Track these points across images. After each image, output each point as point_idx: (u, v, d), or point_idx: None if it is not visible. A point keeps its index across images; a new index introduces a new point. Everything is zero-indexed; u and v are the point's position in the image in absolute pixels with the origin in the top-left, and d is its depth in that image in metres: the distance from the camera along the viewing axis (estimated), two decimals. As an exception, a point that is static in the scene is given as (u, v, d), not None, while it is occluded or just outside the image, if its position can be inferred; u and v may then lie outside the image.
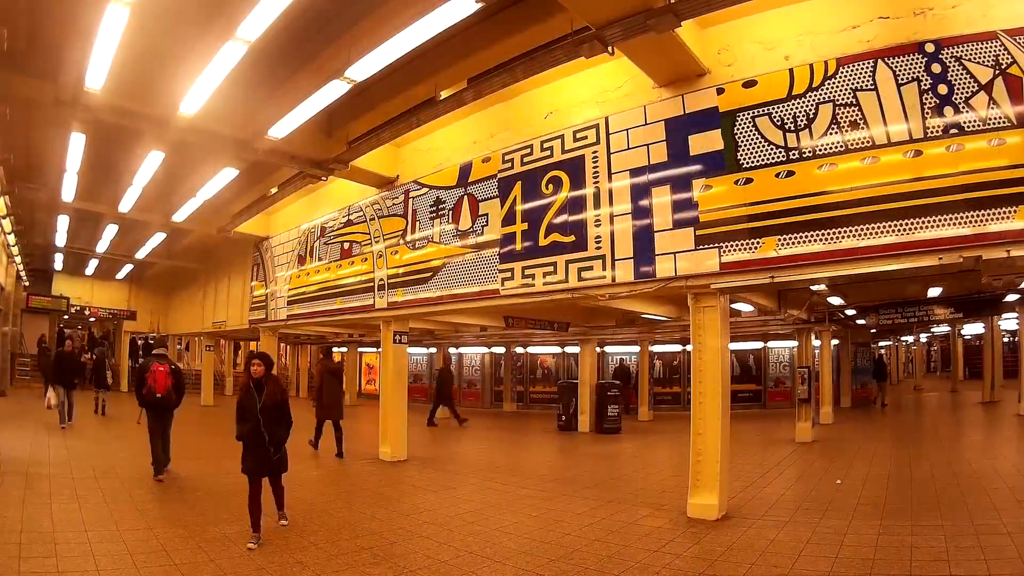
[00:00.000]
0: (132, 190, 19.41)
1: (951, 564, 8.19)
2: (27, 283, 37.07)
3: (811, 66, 10.17)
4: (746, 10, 10.44)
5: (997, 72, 8.71)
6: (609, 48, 10.22)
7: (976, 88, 8.85)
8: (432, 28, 9.82)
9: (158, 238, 27.89)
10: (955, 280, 18.12)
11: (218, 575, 8.11)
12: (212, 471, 14.74)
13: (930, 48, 9.17)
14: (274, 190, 19.85)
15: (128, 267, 37.17)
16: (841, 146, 9.83)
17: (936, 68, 9.12)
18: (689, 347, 11.79)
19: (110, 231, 26.76)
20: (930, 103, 9.14)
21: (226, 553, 8.94)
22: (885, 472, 14.38)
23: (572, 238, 12.94)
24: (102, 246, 29.96)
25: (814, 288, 17.94)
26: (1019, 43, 8.57)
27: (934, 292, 21.99)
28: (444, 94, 12.87)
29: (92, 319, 43.74)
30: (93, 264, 36.94)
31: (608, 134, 12.49)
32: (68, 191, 19.71)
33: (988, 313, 27.77)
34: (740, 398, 31.64)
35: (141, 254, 31.01)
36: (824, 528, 10.17)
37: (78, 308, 39.78)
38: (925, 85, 9.18)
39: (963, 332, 40.00)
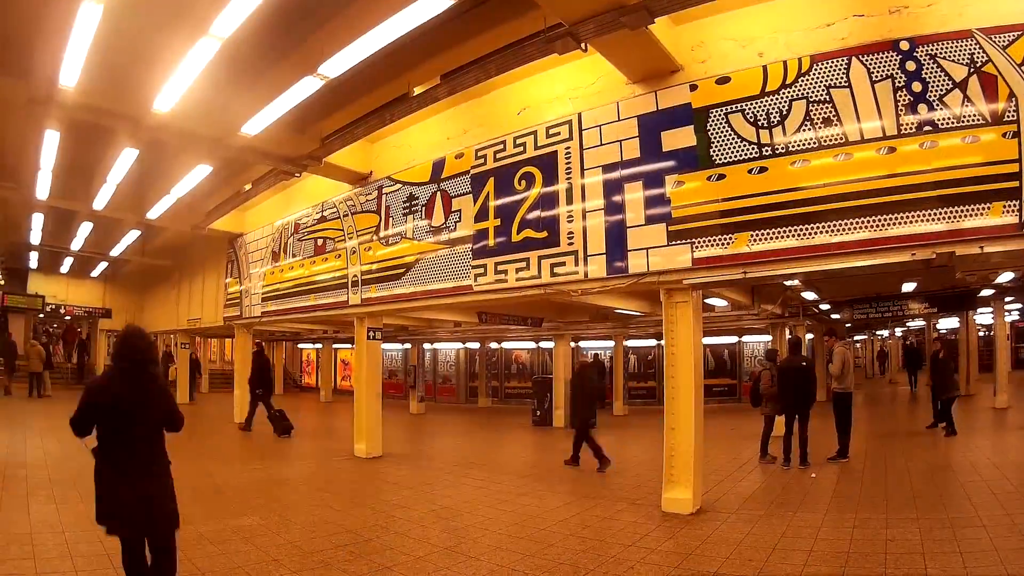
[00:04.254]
0: (106, 188, 19.26)
1: (926, 557, 8.24)
2: (2, 282, 36.78)
3: (785, 63, 10.18)
4: (720, 7, 10.49)
5: (972, 70, 8.78)
6: (582, 45, 10.22)
7: (951, 86, 8.92)
8: (405, 24, 9.78)
9: (133, 236, 27.67)
10: (930, 275, 18.22)
11: (195, 573, 8.09)
12: (189, 471, 14.69)
13: (905, 46, 9.22)
14: (248, 187, 19.75)
15: (103, 265, 36.87)
16: (815, 143, 9.86)
17: (911, 66, 9.18)
18: (663, 342, 11.80)
19: (85, 229, 26.54)
20: (904, 100, 9.19)
21: (202, 552, 8.91)
22: (860, 466, 14.46)
23: (545, 234, 12.94)
24: (77, 244, 29.71)
25: (788, 283, 18.02)
26: (994, 41, 8.63)
27: (908, 287, 22.14)
28: (417, 90, 12.84)
29: (68, 317, 43.36)
30: (68, 262, 36.65)
31: (581, 130, 12.49)
32: (42, 189, 19.56)
33: (963, 308, 27.99)
34: (715, 392, 31.77)
35: (116, 252, 30.77)
36: (799, 522, 10.24)
37: (54, 306, 39.52)
38: (900, 82, 9.23)
39: (938, 327, 40.21)
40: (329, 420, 29.28)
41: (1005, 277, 17.90)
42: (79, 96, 12.63)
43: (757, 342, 32.69)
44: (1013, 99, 8.52)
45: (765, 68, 10.37)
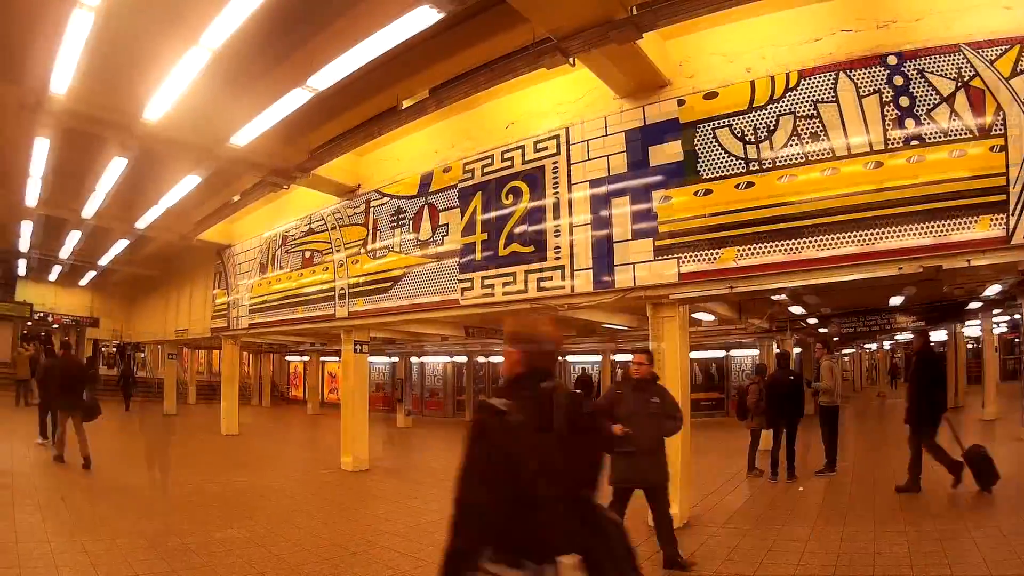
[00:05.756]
0: (96, 196, 19.22)
1: (914, 569, 8.24)
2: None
3: (773, 78, 10.19)
4: (709, 22, 10.47)
5: (959, 84, 8.80)
6: (571, 59, 10.22)
7: (938, 100, 8.94)
8: (394, 38, 9.77)
9: (122, 245, 27.55)
10: (919, 288, 18.27)
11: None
12: (172, 480, 14.64)
13: (893, 60, 9.24)
14: (236, 198, 19.69)
15: (92, 273, 36.72)
16: (802, 157, 9.87)
17: (898, 80, 9.19)
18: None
19: (74, 237, 26.45)
20: (892, 115, 9.21)
21: (186, 563, 8.89)
22: (849, 478, 14.45)
23: (531, 248, 12.90)
24: (66, 252, 29.60)
25: (775, 298, 18.02)
26: (981, 55, 8.66)
27: (897, 300, 22.16)
28: (406, 103, 12.81)
29: (55, 325, 43.18)
30: (56, 270, 36.52)
31: (568, 145, 12.47)
32: (32, 196, 19.50)
33: (951, 320, 28.02)
34: (703, 406, 31.67)
35: (104, 260, 30.67)
36: (787, 535, 10.22)
37: (41, 314, 39.43)
38: (887, 97, 9.25)
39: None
40: (315, 433, 29.21)
41: (993, 290, 18.00)
42: (70, 103, 12.60)
43: (745, 356, 32.69)
44: (1000, 113, 8.55)
45: (752, 83, 10.38)
